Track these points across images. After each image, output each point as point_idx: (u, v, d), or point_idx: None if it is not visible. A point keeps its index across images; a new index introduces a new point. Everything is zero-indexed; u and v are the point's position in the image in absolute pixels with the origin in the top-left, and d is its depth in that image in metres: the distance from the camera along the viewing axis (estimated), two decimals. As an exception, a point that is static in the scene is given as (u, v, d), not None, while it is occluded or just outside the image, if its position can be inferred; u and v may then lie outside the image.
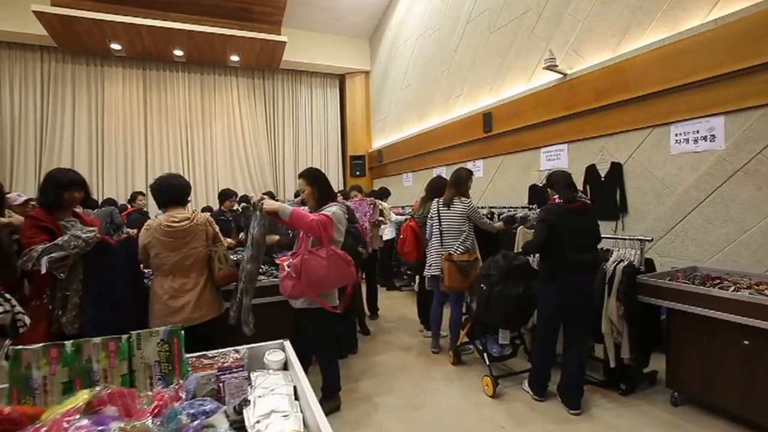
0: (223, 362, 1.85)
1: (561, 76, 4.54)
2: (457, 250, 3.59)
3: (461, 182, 3.74)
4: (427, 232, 3.84)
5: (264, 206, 2.57)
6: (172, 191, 2.50)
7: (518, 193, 5.35)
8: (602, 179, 4.19)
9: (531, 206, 4.18)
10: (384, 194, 6.02)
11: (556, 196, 2.74)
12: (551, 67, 4.44)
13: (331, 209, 2.61)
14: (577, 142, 4.52)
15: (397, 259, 6.04)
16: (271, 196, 6.26)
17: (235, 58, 8.52)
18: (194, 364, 1.73)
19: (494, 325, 3.12)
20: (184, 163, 8.72)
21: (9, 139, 7.43)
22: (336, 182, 9.87)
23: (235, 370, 1.74)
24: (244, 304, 2.58)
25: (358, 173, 9.92)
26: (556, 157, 4.81)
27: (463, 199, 3.68)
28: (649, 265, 2.94)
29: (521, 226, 3.64)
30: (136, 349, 1.39)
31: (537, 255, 2.92)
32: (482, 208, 5.05)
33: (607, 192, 4.11)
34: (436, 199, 3.81)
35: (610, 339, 2.81)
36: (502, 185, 5.69)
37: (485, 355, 3.12)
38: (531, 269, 2.92)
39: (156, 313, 2.40)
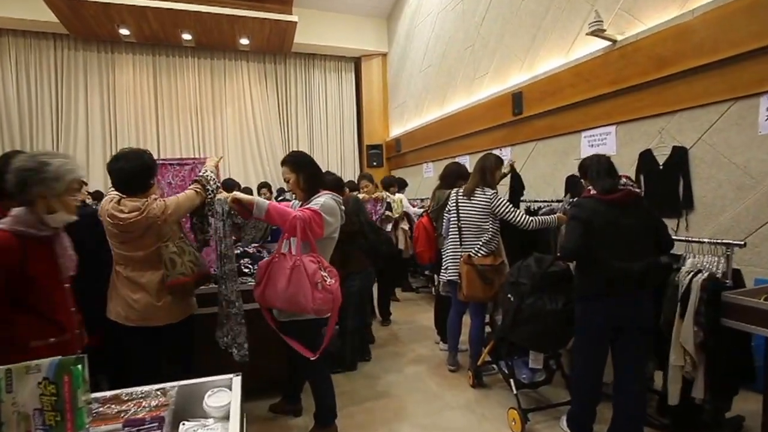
0: (139, 408, 1.35)
1: (610, 43, 3.79)
2: (479, 251, 2.97)
3: (487, 170, 3.09)
4: (444, 226, 3.22)
5: (233, 198, 2.05)
6: (123, 176, 1.98)
7: (552, 186, 4.64)
8: (660, 167, 3.45)
9: (571, 200, 3.47)
10: (391, 183, 5.34)
11: (591, 187, 2.17)
12: (597, 33, 3.70)
13: (320, 200, 2.13)
14: (629, 123, 3.78)
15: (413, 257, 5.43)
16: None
17: (244, 41, 8.03)
18: (101, 410, 1.30)
19: (524, 345, 2.48)
20: (194, 149, 8.42)
21: (27, 125, 7.45)
22: (353, 174, 9.30)
23: (148, 424, 1.24)
24: (229, 326, 2.21)
25: (375, 163, 9.34)
26: (601, 142, 4.08)
27: (486, 189, 3.04)
28: (737, 278, 2.22)
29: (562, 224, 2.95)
30: (4, 392, 1.01)
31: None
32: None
33: (667, 183, 3.37)
34: (456, 189, 3.20)
35: (678, 372, 2.13)
36: (533, 176, 4.98)
37: (512, 381, 2.49)
38: (572, 278, 2.27)
39: (112, 307, 2.02)
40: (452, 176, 3.54)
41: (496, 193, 3.09)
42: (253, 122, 8.84)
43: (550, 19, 4.61)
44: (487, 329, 3.72)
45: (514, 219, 2.96)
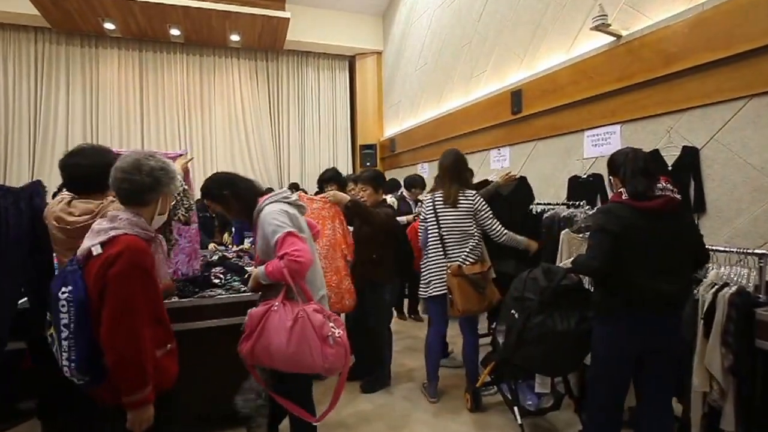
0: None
1: (614, 38, 3.60)
2: (467, 259, 2.75)
3: (462, 167, 2.89)
4: (421, 238, 2.95)
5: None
6: (79, 173, 1.77)
7: (554, 187, 4.44)
8: (669, 169, 3.25)
9: (576, 203, 3.25)
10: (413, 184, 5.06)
11: (622, 189, 1.82)
12: (602, 28, 3.51)
13: (264, 211, 1.79)
14: (635, 122, 3.59)
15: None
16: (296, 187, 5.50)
17: (235, 38, 7.79)
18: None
19: (530, 369, 2.25)
20: (181, 148, 8.09)
21: (3, 121, 7.10)
22: (345, 174, 9.05)
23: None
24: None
25: (368, 164, 9.09)
26: (604, 142, 3.89)
27: (466, 191, 2.84)
28: (770, 291, 2.01)
29: (566, 231, 2.72)
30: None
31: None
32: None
33: (677, 185, 3.15)
34: (430, 195, 2.93)
35: (699, 399, 1.92)
36: (533, 177, 4.73)
37: (516, 409, 2.26)
38: (587, 293, 2.05)
39: None
40: (458, 167, 2.99)
41: (476, 193, 2.91)
42: (243, 121, 8.58)
43: (551, 15, 4.42)
44: (484, 340, 3.53)
45: (490, 227, 2.79)
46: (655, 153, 3.35)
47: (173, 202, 1.92)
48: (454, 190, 2.81)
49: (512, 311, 2.03)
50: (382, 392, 3.12)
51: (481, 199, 2.87)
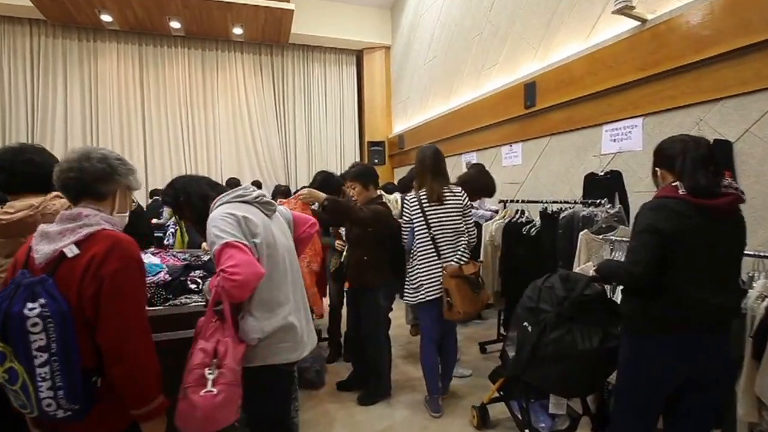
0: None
1: (638, 23, 3.31)
2: (461, 259, 2.64)
3: (442, 162, 2.79)
4: (406, 239, 2.76)
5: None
6: (31, 169, 1.57)
7: (569, 185, 4.17)
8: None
9: (597, 201, 2.97)
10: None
11: (676, 182, 1.51)
12: (625, 11, 3.22)
13: (210, 216, 1.51)
14: (659, 114, 3.30)
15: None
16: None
17: (238, 31, 7.60)
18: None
19: (544, 389, 1.99)
20: (184, 145, 7.98)
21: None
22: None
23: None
24: None
25: (376, 161, 8.88)
26: (624, 136, 3.61)
27: (453, 187, 2.76)
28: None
29: (585, 232, 2.45)
30: None
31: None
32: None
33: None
34: (413, 194, 2.76)
35: (744, 429, 1.65)
36: (547, 174, 4.51)
37: (527, 431, 2.01)
38: (613, 306, 1.78)
39: None
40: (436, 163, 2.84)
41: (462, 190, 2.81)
42: (248, 117, 8.39)
43: (567, 1, 4.14)
44: (494, 347, 3.29)
45: (471, 227, 2.76)
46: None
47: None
48: (437, 185, 2.68)
49: (524, 323, 1.78)
50: (382, 404, 2.89)
51: (467, 198, 2.80)
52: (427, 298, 2.63)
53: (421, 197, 2.69)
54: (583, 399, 2.17)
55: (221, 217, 1.45)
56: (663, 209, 1.47)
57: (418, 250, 2.67)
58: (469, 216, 2.75)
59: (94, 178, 1.26)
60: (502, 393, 2.33)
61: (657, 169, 1.63)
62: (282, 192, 5.23)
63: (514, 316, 1.87)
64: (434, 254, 2.63)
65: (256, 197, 1.60)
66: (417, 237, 2.68)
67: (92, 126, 7.38)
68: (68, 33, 7.19)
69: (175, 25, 7.21)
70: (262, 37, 8.01)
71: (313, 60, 8.92)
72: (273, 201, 1.68)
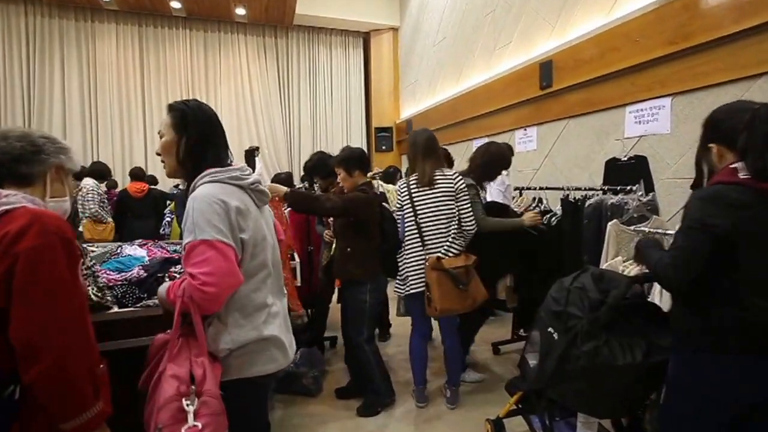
0: None
1: (669, -9, 3.01)
2: (449, 250, 2.42)
3: (435, 145, 2.57)
4: (400, 228, 2.60)
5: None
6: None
7: (588, 171, 3.90)
8: (735, 148, 2.69)
9: (628, 187, 2.68)
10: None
11: (736, 164, 1.21)
12: (655, -22, 2.93)
13: (194, 194, 1.25)
14: (690, 93, 3.01)
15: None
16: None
17: (241, 11, 7.34)
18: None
19: (573, 408, 1.75)
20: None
21: None
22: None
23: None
24: None
25: (384, 147, 8.63)
26: (651, 118, 3.32)
27: (445, 170, 2.54)
28: None
29: (614, 222, 2.19)
30: None
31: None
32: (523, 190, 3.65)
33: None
34: (404, 180, 2.62)
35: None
36: (564, 159, 4.24)
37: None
38: (656, 310, 1.52)
39: None
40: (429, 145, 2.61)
41: (459, 174, 2.57)
42: (251, 102, 8.16)
43: (589, -29, 3.82)
44: (508, 347, 3.06)
45: (465, 213, 2.48)
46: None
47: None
48: (428, 167, 2.49)
49: (549, 329, 1.52)
50: (384, 415, 2.65)
51: (463, 182, 2.53)
52: (411, 291, 2.47)
53: (411, 182, 2.53)
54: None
55: (209, 203, 1.19)
56: (717, 199, 1.19)
57: (406, 239, 2.54)
58: (464, 201, 2.49)
59: (12, 158, 1.08)
60: (520, 406, 2.09)
61: (713, 145, 1.34)
62: (282, 180, 5.01)
63: (536, 319, 1.62)
64: (420, 244, 2.46)
65: (252, 183, 1.36)
66: (405, 225, 2.53)
67: (91, 111, 7.20)
68: (65, 13, 6.96)
69: (175, 5, 6.98)
70: (265, 18, 7.74)
71: (318, 42, 8.62)
72: (266, 190, 1.45)
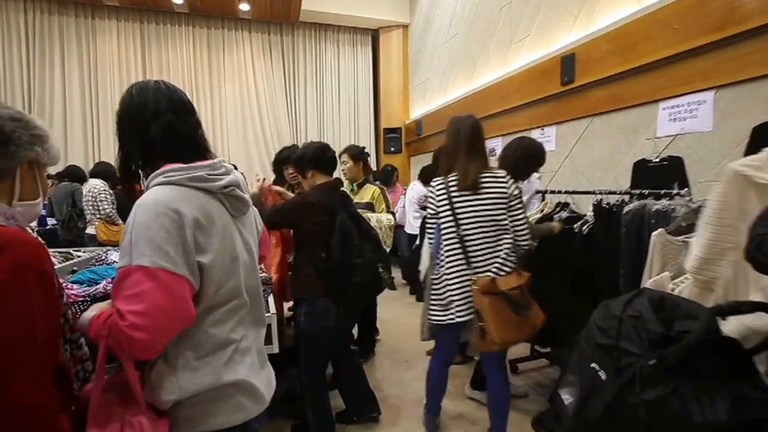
0: None
1: (714, -29, 2.68)
2: (502, 268, 1.98)
3: (481, 136, 2.10)
4: (433, 241, 2.11)
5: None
6: None
7: (613, 174, 3.57)
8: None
9: (676, 191, 2.33)
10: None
11: None
12: (698, -44, 2.59)
13: (140, 200, 0.95)
14: (736, 86, 2.68)
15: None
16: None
17: (245, 7, 7.12)
18: None
19: None
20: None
21: None
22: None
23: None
24: None
25: (393, 149, 8.35)
26: (689, 114, 2.99)
27: (496, 171, 2.06)
28: None
29: (659, 232, 1.85)
30: None
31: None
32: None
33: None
34: (441, 179, 2.09)
35: None
36: (586, 161, 3.91)
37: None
38: (739, 350, 1.16)
39: None
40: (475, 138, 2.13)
41: (510, 177, 2.10)
42: (256, 101, 7.93)
43: (617, -45, 3.49)
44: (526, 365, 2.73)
45: (520, 225, 2.06)
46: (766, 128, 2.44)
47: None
48: (473, 168, 2.00)
49: (593, 365, 1.19)
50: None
51: (516, 185, 2.08)
52: (457, 320, 1.98)
53: (450, 184, 2.03)
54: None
55: (156, 213, 0.90)
56: None
57: (446, 254, 2.02)
58: (518, 209, 2.05)
59: None
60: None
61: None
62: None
63: (575, 350, 1.29)
64: (463, 260, 1.99)
65: (226, 186, 1.04)
66: (444, 237, 2.03)
67: (92, 109, 7.02)
68: (65, 9, 6.80)
69: (177, 0, 6.78)
70: (270, 14, 7.51)
71: (325, 40, 8.36)
72: (246, 197, 1.12)
